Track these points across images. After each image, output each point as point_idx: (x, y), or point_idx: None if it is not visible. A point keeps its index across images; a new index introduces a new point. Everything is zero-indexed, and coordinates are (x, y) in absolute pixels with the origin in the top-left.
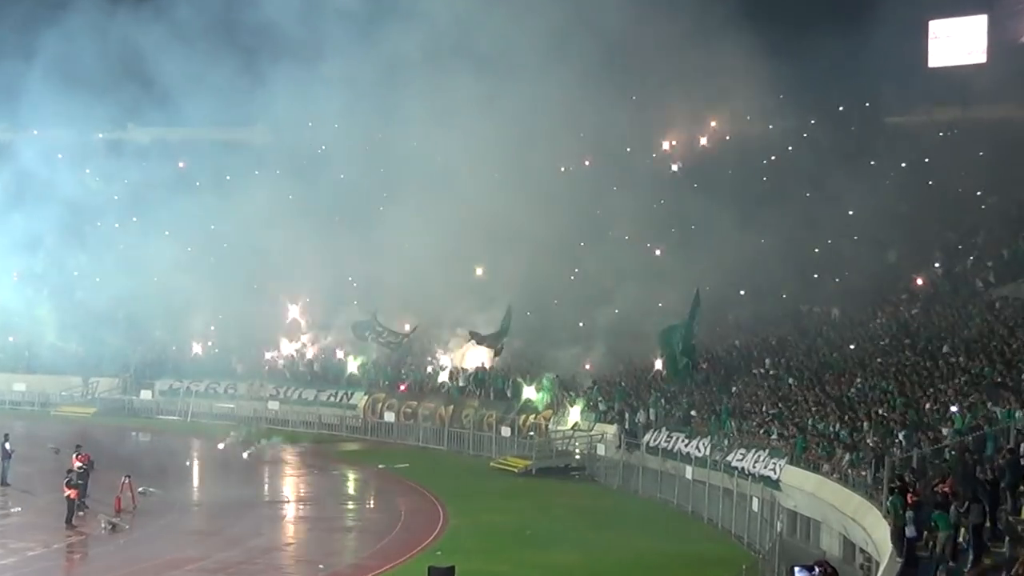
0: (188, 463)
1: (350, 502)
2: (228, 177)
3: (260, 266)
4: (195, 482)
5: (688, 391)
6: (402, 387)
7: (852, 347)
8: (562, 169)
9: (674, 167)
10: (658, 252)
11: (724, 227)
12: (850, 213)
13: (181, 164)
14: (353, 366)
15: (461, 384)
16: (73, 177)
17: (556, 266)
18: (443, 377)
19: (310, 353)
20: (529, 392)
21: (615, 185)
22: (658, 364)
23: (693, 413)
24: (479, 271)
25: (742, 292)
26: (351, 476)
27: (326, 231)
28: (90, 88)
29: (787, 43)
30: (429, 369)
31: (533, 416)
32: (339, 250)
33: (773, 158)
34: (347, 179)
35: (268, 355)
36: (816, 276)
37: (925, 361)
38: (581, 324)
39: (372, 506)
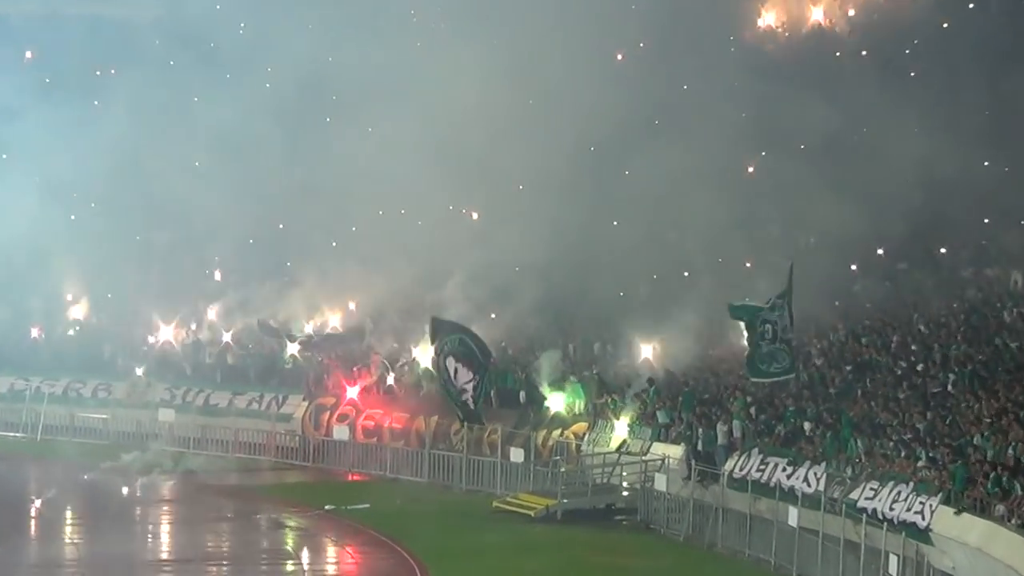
0: (38, 506)
1: (283, 562)
2: (98, 73)
3: (147, 209)
4: (48, 535)
5: (794, 394)
6: (355, 384)
7: None
8: (599, 58)
9: (772, 52)
10: (750, 169)
11: (849, 144)
12: None
13: (28, 54)
14: (293, 349)
15: None
16: None
17: (590, 207)
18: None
19: (225, 337)
20: (555, 400)
21: (683, 81)
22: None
23: (806, 426)
24: (475, 215)
25: (880, 251)
26: (285, 524)
27: (247, 155)
28: None
29: None
30: (401, 362)
31: (559, 432)
32: (265, 185)
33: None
34: (281, 77)
35: (156, 340)
36: (986, 221)
37: None
38: (623, 294)
39: (316, 568)
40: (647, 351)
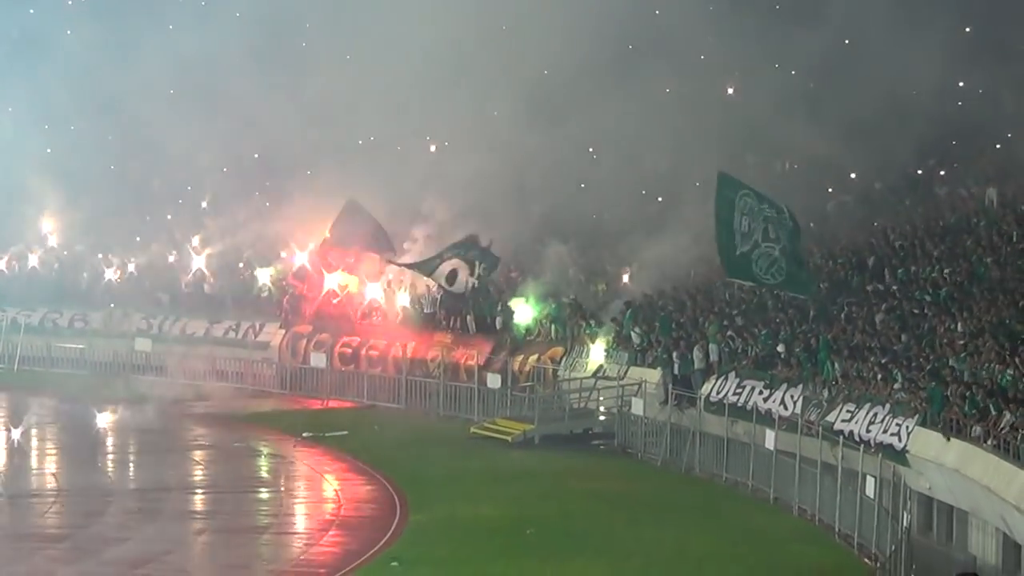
0: (19, 434)
1: (261, 489)
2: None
3: (122, 139)
4: (33, 464)
5: (770, 319)
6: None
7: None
8: None
9: None
10: (731, 91)
11: (824, 67)
12: None
13: None
14: (265, 276)
15: (426, 310)
16: None
17: (566, 134)
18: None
19: (198, 263)
20: (521, 313)
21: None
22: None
23: (780, 350)
24: (432, 147)
25: (853, 175)
26: (262, 451)
27: (221, 84)
28: None
29: None
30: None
31: (535, 357)
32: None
33: None
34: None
35: (131, 267)
36: (954, 143)
37: None
38: (595, 216)
39: (294, 495)
40: (624, 276)
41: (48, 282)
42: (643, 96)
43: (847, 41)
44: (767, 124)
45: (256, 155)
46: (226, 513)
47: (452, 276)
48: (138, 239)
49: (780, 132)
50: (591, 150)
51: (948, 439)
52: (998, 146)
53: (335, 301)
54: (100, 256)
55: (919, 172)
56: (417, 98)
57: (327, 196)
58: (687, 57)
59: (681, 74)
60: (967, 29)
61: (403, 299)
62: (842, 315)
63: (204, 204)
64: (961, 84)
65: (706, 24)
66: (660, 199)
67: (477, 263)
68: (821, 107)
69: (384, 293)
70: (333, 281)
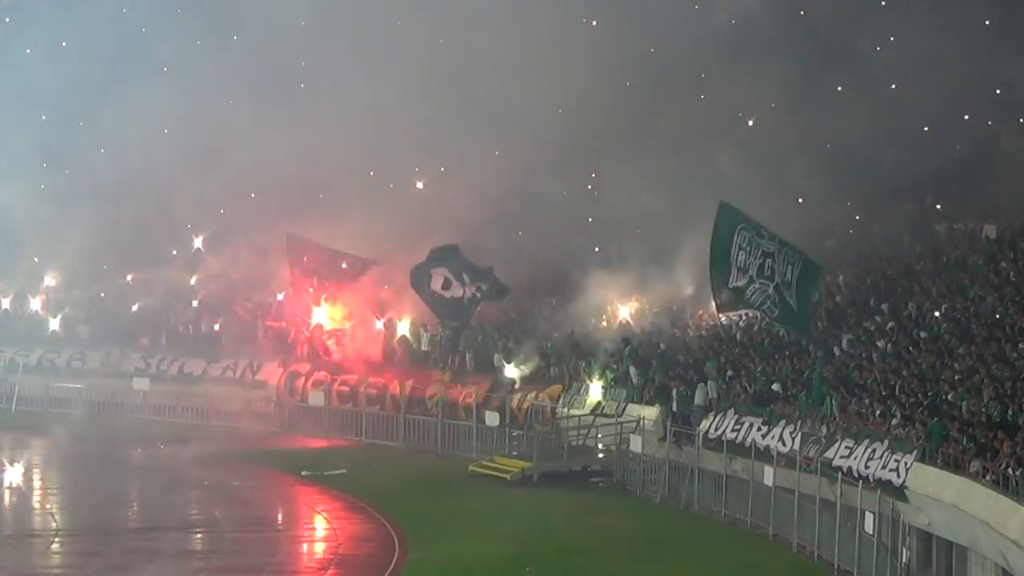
0: (18, 473)
1: (258, 528)
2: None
3: (118, 179)
4: (32, 503)
5: (766, 353)
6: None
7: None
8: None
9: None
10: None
11: (821, 99)
12: None
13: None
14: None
15: (423, 348)
16: None
17: (564, 162)
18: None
19: (194, 303)
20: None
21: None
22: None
23: (775, 387)
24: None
25: (849, 204)
26: (260, 489)
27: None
28: None
29: None
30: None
31: (534, 395)
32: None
33: None
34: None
35: (134, 308)
36: (952, 179)
37: None
38: (598, 249)
39: (292, 534)
40: (624, 312)
41: (41, 323)
42: (643, 133)
43: (846, 77)
44: (766, 159)
45: (253, 195)
46: (224, 552)
47: (447, 284)
48: (130, 279)
49: (777, 167)
50: (590, 187)
51: (951, 474)
52: (995, 182)
53: (327, 337)
54: (101, 295)
55: (917, 208)
56: (411, 135)
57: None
58: (687, 94)
59: (681, 112)
60: (967, 66)
61: (403, 327)
62: (840, 351)
63: (199, 244)
64: (967, 117)
65: (704, 64)
66: (659, 236)
67: (465, 275)
68: (820, 142)
69: (385, 327)
70: (321, 315)
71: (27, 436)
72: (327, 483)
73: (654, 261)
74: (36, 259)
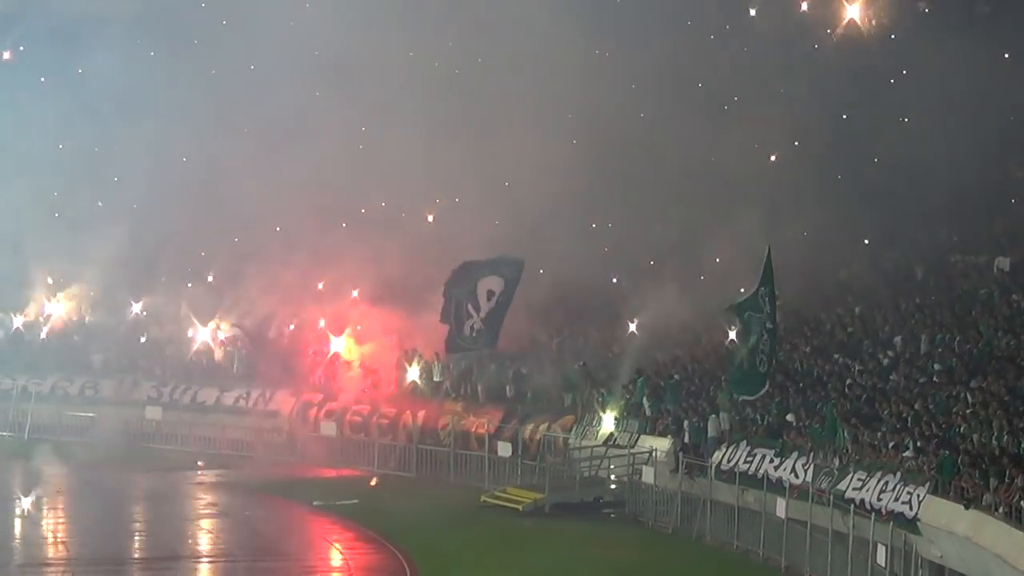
0: (30, 502)
1: (270, 558)
2: (80, 71)
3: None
4: (44, 533)
5: (780, 385)
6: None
7: None
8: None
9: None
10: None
11: (835, 135)
12: None
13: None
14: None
15: (436, 378)
16: None
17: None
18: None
19: (205, 335)
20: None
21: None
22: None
23: (789, 418)
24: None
25: (867, 241)
26: (272, 519)
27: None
28: None
29: None
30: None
31: (546, 426)
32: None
33: None
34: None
35: (143, 338)
36: (965, 211)
37: None
38: (615, 280)
39: (304, 564)
40: (635, 341)
41: (54, 350)
42: (653, 162)
43: (856, 110)
44: (779, 192)
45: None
46: None
47: (489, 295)
48: (144, 313)
49: (790, 200)
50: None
51: (966, 507)
52: (1009, 215)
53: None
54: (107, 324)
55: (931, 240)
56: (420, 165)
57: (334, 265)
58: (704, 127)
59: (696, 144)
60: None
61: (413, 373)
62: (853, 382)
63: (210, 278)
64: (982, 150)
65: (723, 97)
66: (670, 266)
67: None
68: (832, 175)
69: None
70: (339, 344)
71: (40, 464)
72: (339, 513)
73: (669, 289)
74: (50, 280)
